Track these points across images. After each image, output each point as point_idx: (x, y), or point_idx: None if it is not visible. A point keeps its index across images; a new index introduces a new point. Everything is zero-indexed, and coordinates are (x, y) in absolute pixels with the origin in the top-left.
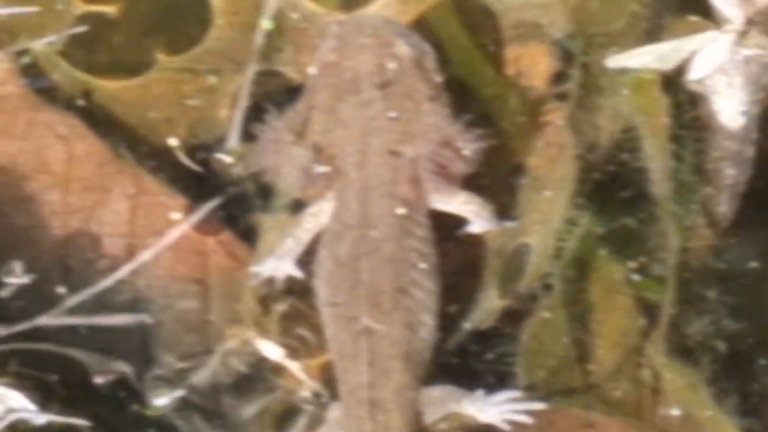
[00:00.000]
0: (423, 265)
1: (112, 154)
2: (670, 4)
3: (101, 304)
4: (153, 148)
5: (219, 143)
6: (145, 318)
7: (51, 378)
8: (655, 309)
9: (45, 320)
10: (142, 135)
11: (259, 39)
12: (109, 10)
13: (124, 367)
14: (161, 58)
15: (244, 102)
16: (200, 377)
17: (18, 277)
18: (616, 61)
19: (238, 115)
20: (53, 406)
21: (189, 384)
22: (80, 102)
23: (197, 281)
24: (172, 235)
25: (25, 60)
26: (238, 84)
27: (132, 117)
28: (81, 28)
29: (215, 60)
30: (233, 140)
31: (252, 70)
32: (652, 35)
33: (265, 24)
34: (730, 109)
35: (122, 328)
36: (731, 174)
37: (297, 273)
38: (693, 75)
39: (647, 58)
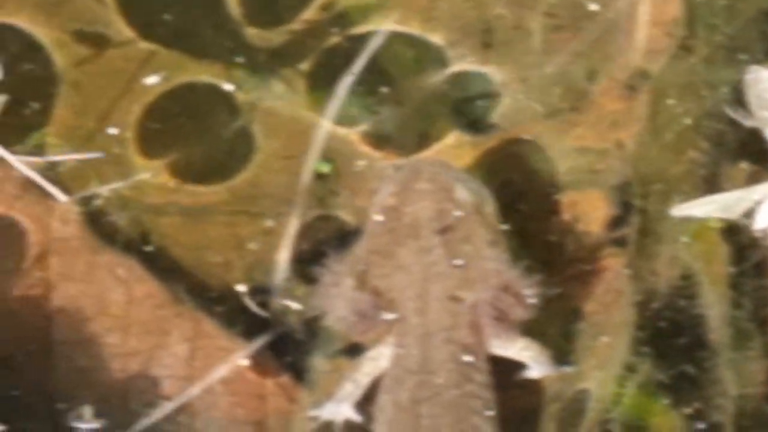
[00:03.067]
0: (483, 411)
1: (170, 297)
2: (728, 152)
3: None
4: (212, 292)
5: (276, 287)
6: None
7: None
8: None
9: None
10: (201, 278)
11: (307, 182)
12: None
13: None
14: (218, 200)
15: (291, 242)
16: None
17: (88, 422)
18: (680, 210)
19: (285, 256)
20: None
21: None
22: (141, 246)
23: (255, 424)
24: (221, 372)
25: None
26: (294, 227)
27: (190, 260)
28: (145, 174)
29: (272, 199)
30: (280, 280)
31: (300, 211)
32: (710, 183)
33: (322, 167)
34: None
35: None
36: None
37: (356, 417)
38: (758, 224)
39: (712, 207)
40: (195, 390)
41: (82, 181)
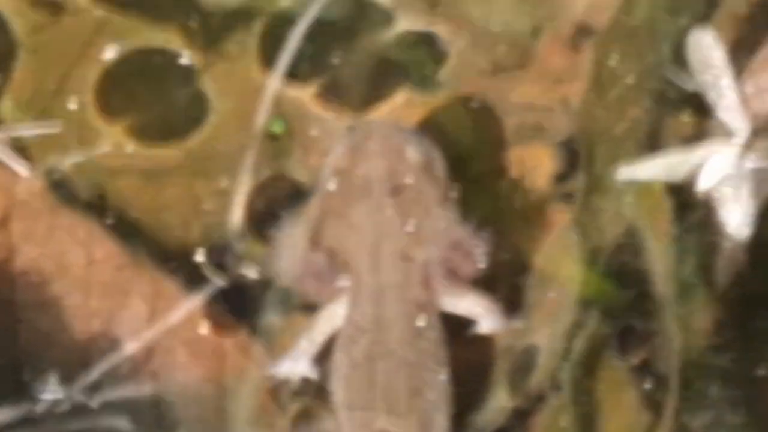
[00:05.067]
0: (436, 367)
1: (130, 257)
2: (668, 107)
3: (123, 405)
4: (169, 251)
5: (231, 248)
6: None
7: None
8: (659, 405)
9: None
10: (159, 239)
11: (257, 140)
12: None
13: None
14: (174, 162)
15: (242, 202)
16: None
17: (53, 391)
18: (625, 173)
19: (237, 216)
20: None
21: None
22: (100, 208)
23: (214, 382)
24: (184, 330)
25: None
26: (250, 186)
27: (148, 221)
28: (105, 148)
29: (225, 159)
30: (240, 241)
31: (246, 171)
32: (653, 138)
33: (275, 128)
34: (736, 219)
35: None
36: (729, 247)
37: (312, 374)
38: (701, 186)
39: (655, 170)
40: (154, 348)
41: (45, 148)
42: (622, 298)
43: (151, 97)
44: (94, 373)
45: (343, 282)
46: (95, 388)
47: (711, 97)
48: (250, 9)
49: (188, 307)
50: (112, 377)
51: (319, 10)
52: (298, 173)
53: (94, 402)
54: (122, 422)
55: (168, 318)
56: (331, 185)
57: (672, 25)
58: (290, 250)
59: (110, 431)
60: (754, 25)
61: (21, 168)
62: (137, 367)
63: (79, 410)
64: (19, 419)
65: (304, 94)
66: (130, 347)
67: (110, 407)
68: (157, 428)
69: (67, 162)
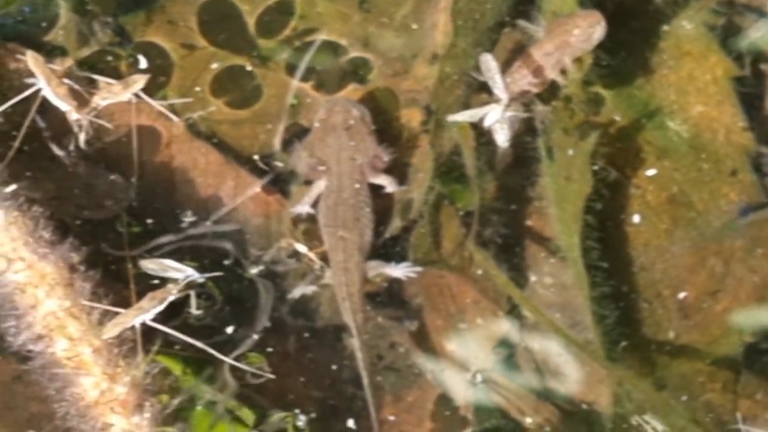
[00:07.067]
0: (366, 207)
1: (225, 160)
2: (473, 90)
3: (225, 234)
4: (243, 157)
5: (275, 155)
6: (238, 227)
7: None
8: (469, 225)
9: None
10: (238, 151)
11: (287, 108)
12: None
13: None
14: (246, 116)
15: (280, 135)
16: (267, 258)
17: (190, 220)
18: (452, 118)
19: (277, 141)
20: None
21: (264, 261)
22: (210, 137)
23: (264, 216)
24: (250, 192)
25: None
26: (282, 127)
27: (232, 140)
28: (213, 109)
29: (270, 116)
30: (277, 153)
31: (284, 121)
32: (466, 104)
33: (293, 101)
34: (502, 140)
35: (229, 238)
36: (500, 152)
37: (311, 211)
38: (486, 123)
39: (467, 116)
40: (238, 205)
41: (185, 109)
42: (452, 175)
43: (236, 87)
44: (213, 216)
45: (324, 170)
46: (212, 222)
47: (491, 85)
48: (281, 49)
49: (254, 183)
50: (221, 216)
51: (314, 49)
52: (304, 121)
53: (212, 229)
54: (227, 244)
55: (245, 190)
56: (318, 126)
57: (475, 51)
58: (299, 156)
59: (218, 247)
60: (513, 53)
61: (174, 117)
62: (235, 211)
63: (204, 235)
64: (176, 239)
65: (307, 86)
66: (229, 204)
67: (219, 234)
68: (239, 243)
69: (195, 115)
